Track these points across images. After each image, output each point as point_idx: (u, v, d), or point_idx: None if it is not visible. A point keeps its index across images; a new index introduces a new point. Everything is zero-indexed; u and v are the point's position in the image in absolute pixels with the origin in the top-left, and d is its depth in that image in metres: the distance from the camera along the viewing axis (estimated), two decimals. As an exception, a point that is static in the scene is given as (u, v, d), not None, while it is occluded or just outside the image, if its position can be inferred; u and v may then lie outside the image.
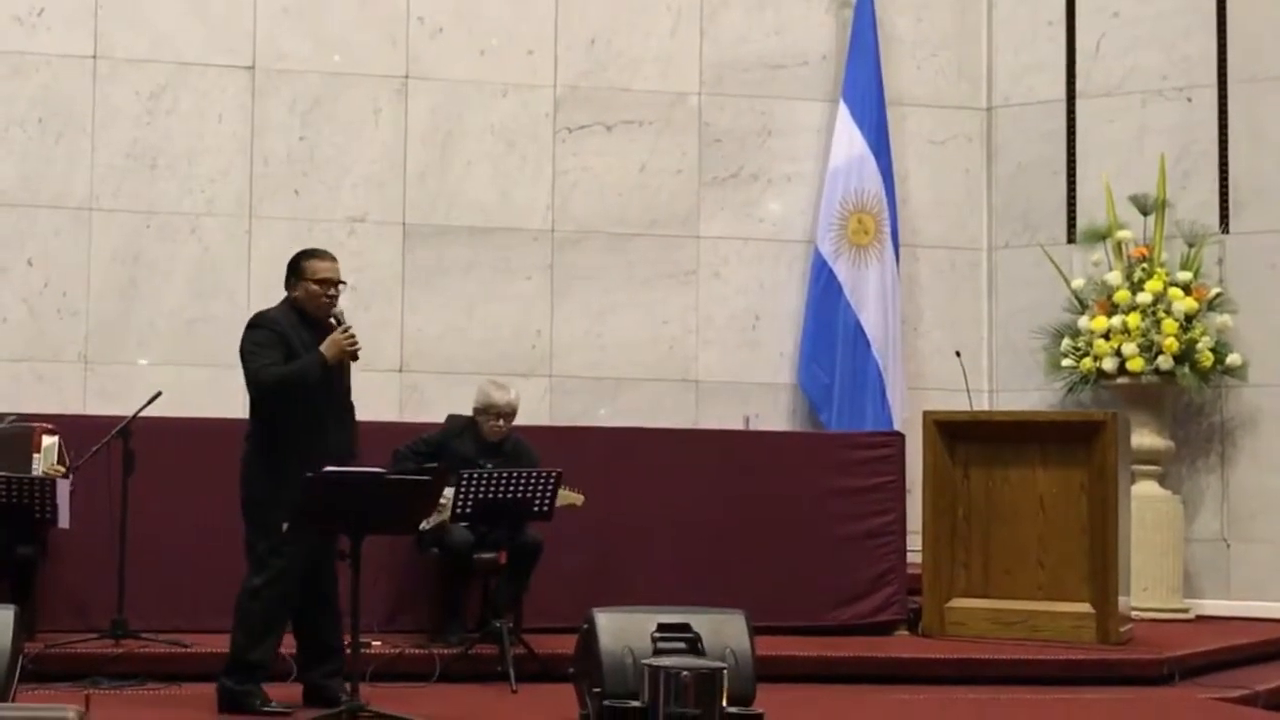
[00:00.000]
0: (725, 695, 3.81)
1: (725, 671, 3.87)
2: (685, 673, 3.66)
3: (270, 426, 6.50)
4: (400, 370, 9.93)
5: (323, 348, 6.39)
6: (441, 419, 8.27)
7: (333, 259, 6.64)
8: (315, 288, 6.52)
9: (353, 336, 6.42)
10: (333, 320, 6.47)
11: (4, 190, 9.59)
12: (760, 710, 3.92)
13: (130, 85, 9.79)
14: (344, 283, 6.66)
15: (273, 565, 6.46)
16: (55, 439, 7.67)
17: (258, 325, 6.55)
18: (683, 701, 3.47)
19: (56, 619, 7.69)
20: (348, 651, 6.45)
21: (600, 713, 5.60)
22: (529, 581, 7.80)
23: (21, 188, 9.62)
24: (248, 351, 6.49)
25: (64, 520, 7.42)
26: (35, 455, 7.61)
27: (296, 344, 6.44)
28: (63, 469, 7.59)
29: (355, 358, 6.48)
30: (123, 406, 8.04)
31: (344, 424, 6.57)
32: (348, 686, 6.39)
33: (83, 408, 9.15)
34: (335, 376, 6.49)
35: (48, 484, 7.37)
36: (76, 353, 9.61)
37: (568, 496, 7.82)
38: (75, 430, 7.81)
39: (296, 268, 6.61)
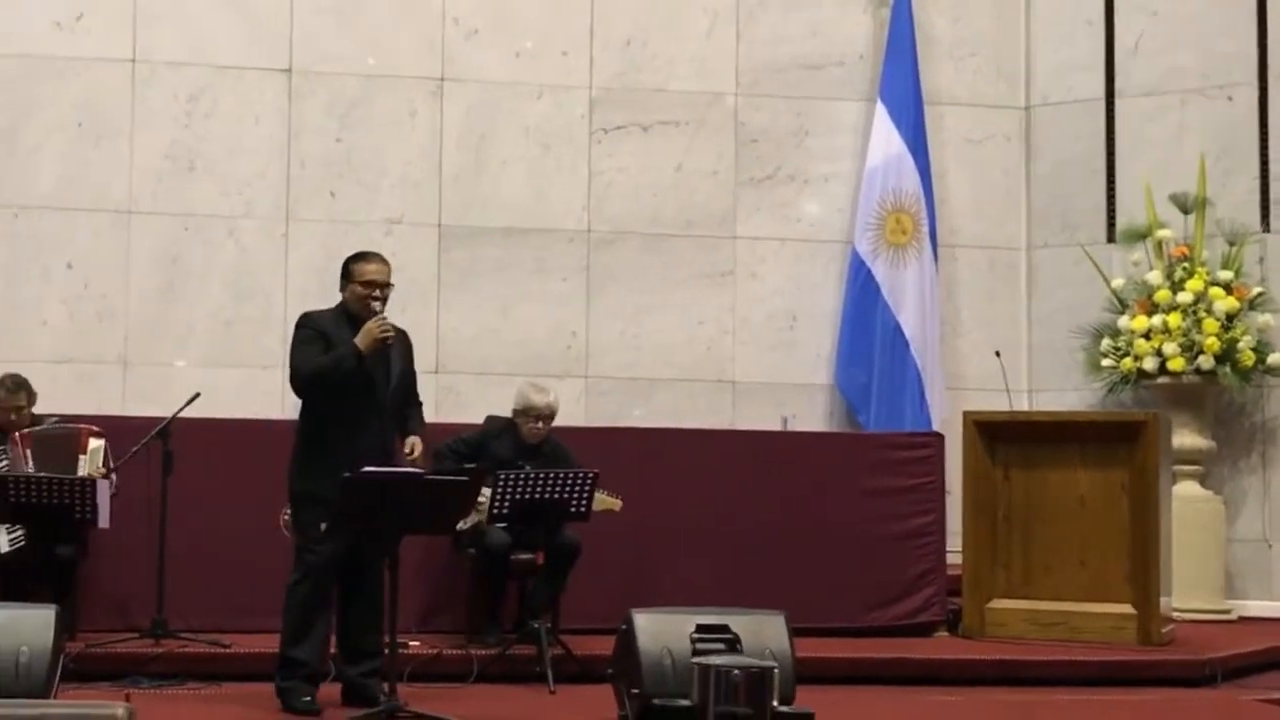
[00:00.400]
0: (780, 688, 3.79)
1: (776, 671, 3.85)
2: (736, 671, 3.63)
3: (310, 423, 6.58)
4: (436, 371, 9.93)
5: (356, 338, 6.43)
6: (477, 420, 8.27)
7: (381, 261, 6.68)
8: (360, 289, 6.59)
9: (385, 323, 6.45)
10: (376, 312, 6.50)
11: (44, 194, 9.63)
12: (810, 709, 3.89)
13: (169, 88, 9.82)
14: (391, 285, 6.68)
15: (306, 561, 6.52)
16: (102, 442, 7.71)
17: (300, 325, 6.67)
18: (733, 700, 3.43)
19: (97, 619, 7.72)
20: (386, 652, 6.45)
21: (644, 712, 5.57)
22: (566, 582, 7.78)
23: (61, 191, 9.65)
24: (291, 350, 6.63)
25: (104, 520, 7.45)
26: (81, 457, 7.65)
27: (337, 342, 6.49)
28: (104, 470, 7.63)
29: (386, 345, 6.49)
30: (161, 408, 8.06)
31: (383, 425, 6.58)
32: (385, 686, 6.40)
33: (122, 409, 9.17)
34: (375, 378, 6.52)
35: (88, 484, 7.40)
36: (116, 354, 9.64)
37: (606, 502, 7.81)
38: (114, 431, 7.85)
39: (346, 270, 6.69)
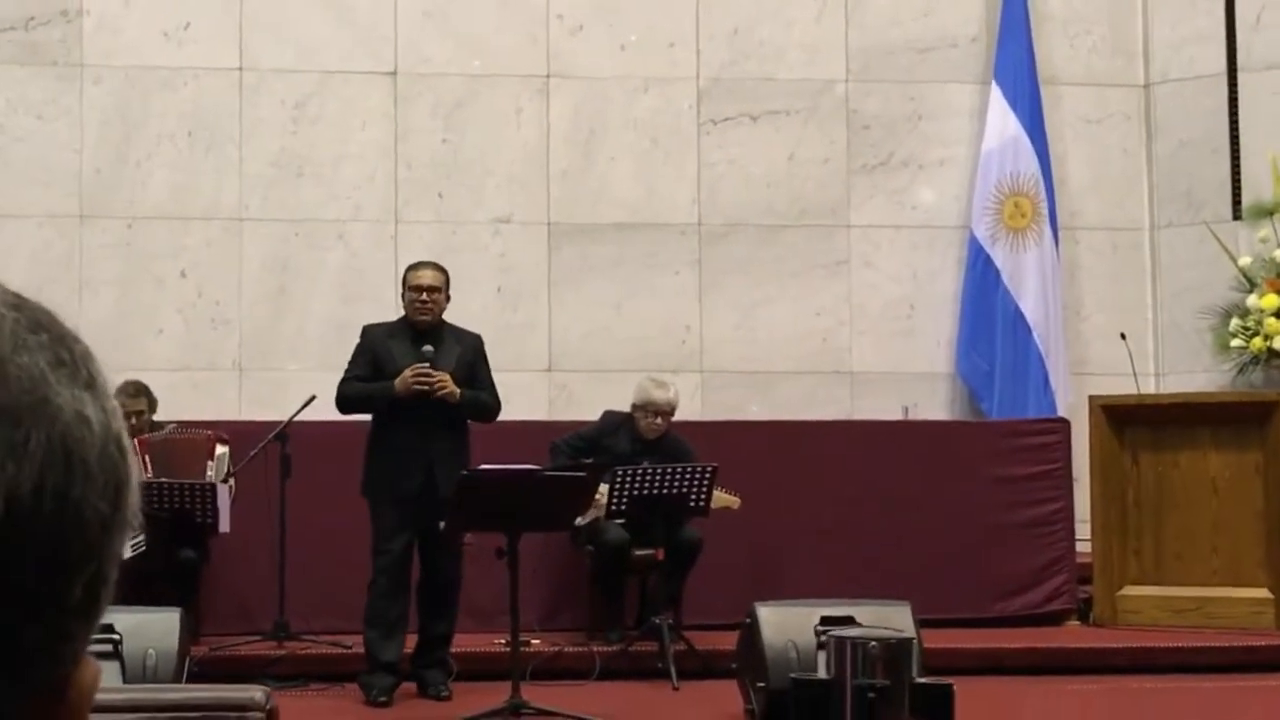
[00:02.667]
0: (916, 666, 3.67)
1: (914, 641, 3.73)
2: (873, 643, 3.51)
3: (373, 427, 6.91)
4: (549, 370, 9.87)
5: (396, 381, 6.71)
6: (591, 418, 8.20)
7: (431, 268, 7.05)
8: (409, 295, 6.98)
9: (420, 376, 6.66)
10: (424, 353, 6.74)
11: (157, 203, 9.69)
12: (950, 681, 3.76)
13: (275, 95, 9.84)
14: (439, 290, 6.93)
15: (377, 562, 6.81)
16: (227, 449, 7.77)
17: (361, 335, 7.11)
18: (870, 673, 3.32)
19: (220, 622, 7.75)
20: (509, 650, 6.42)
21: (773, 697, 5.47)
22: (687, 578, 7.69)
23: (173, 200, 9.71)
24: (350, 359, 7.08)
25: (225, 525, 7.49)
26: (209, 462, 7.70)
27: (384, 354, 6.84)
28: (224, 475, 7.67)
29: (412, 395, 6.69)
30: (277, 412, 8.08)
31: (437, 424, 6.74)
32: (448, 682, 6.60)
33: (238, 415, 9.20)
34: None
35: (208, 489, 7.45)
36: (230, 361, 9.68)
37: (724, 499, 7.71)
38: (232, 436, 7.91)
39: (403, 279, 7.14)
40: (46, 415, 0.77)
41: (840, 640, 3.50)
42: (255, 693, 1.55)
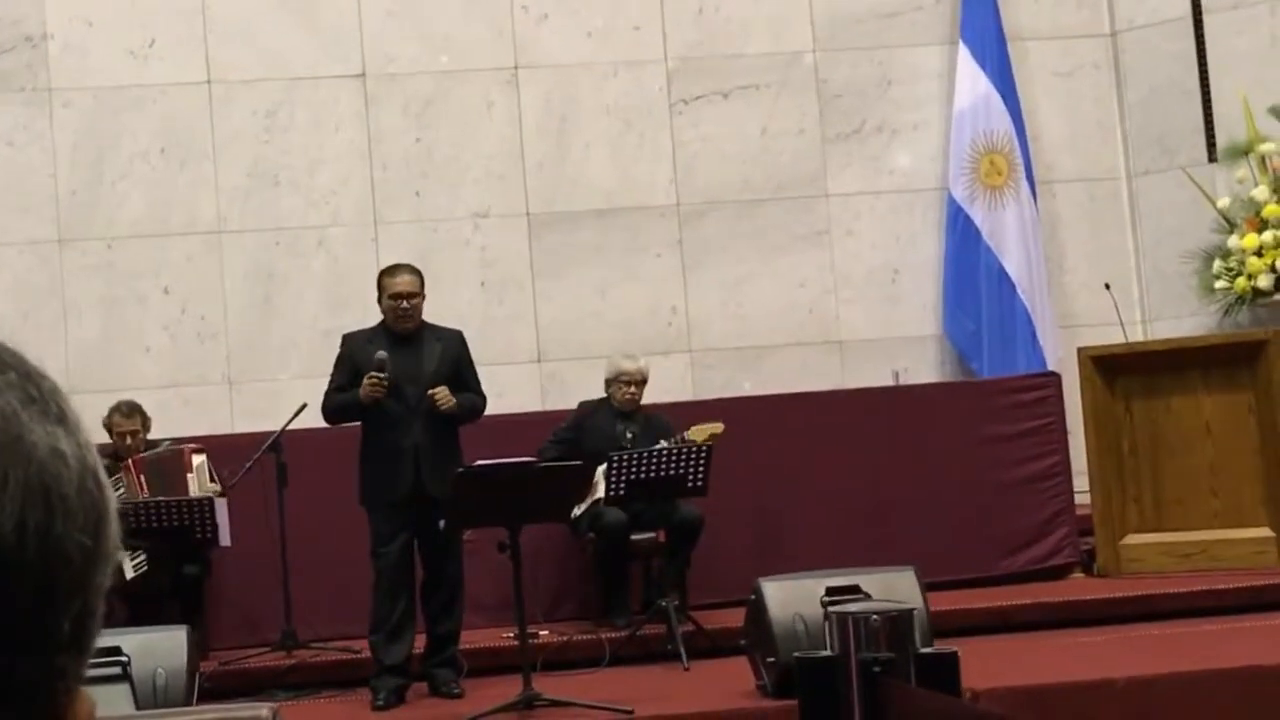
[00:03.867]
0: (918, 637, 3.68)
1: (915, 612, 3.74)
2: (875, 617, 3.52)
3: (362, 428, 6.93)
4: (538, 361, 9.88)
5: (360, 390, 6.79)
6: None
7: (408, 273, 7.02)
8: (390, 303, 6.96)
9: (375, 382, 6.71)
10: (377, 359, 6.78)
11: (135, 221, 9.67)
12: (954, 649, 3.77)
13: (246, 106, 9.82)
14: (420, 295, 6.96)
15: (375, 566, 6.82)
16: (203, 457, 7.75)
17: (340, 344, 7.13)
18: (874, 647, 3.33)
19: (227, 635, 7.76)
20: (519, 644, 6.44)
21: (783, 671, 5.48)
22: (690, 558, 7.70)
23: (151, 218, 9.69)
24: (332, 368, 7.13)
25: (225, 538, 7.49)
26: (189, 475, 7.68)
27: (363, 362, 6.83)
28: (217, 486, 7.66)
29: (376, 402, 6.78)
30: (270, 423, 8.07)
31: (418, 425, 6.78)
32: (459, 680, 6.61)
33: (231, 427, 9.20)
34: (402, 384, 6.79)
35: (206, 504, 7.44)
36: (220, 374, 9.67)
37: (706, 428, 7.60)
38: (227, 449, 7.89)
39: (378, 284, 7.09)
40: (21, 454, 0.77)
41: (842, 616, 3.51)
42: (262, 710, 1.56)
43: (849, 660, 3.38)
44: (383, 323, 7.02)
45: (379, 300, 7.04)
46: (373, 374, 6.74)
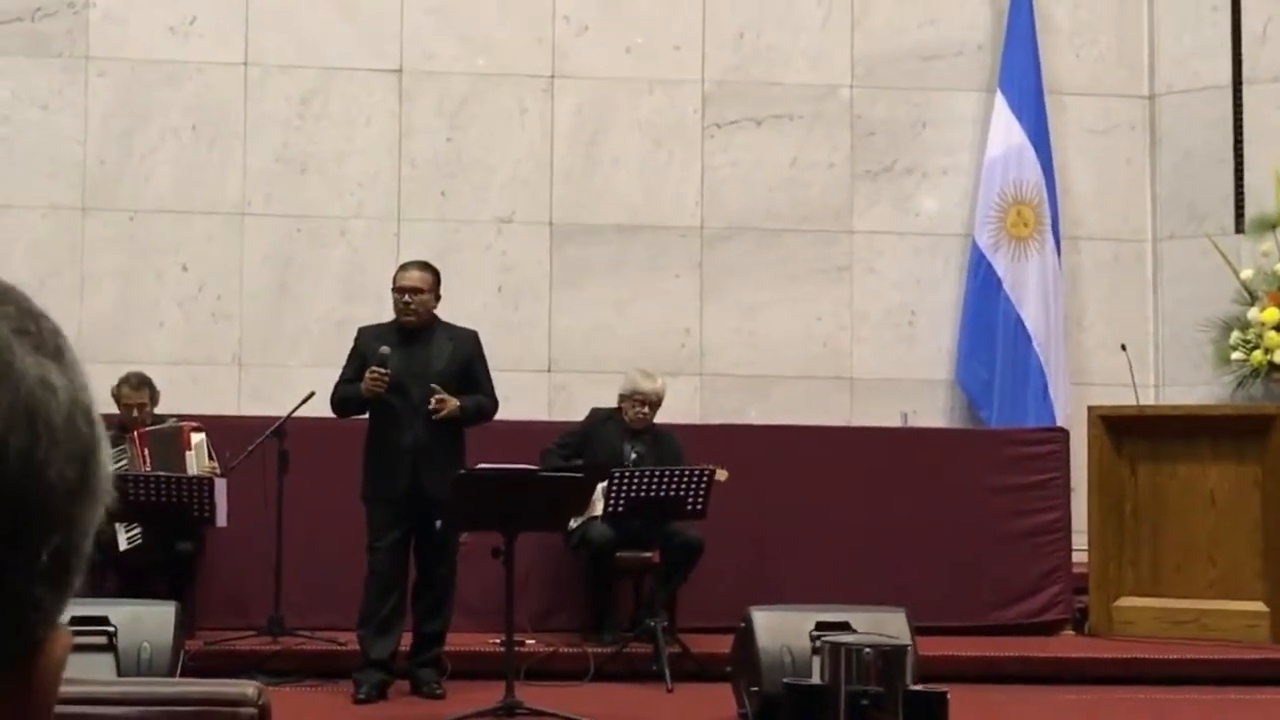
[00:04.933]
0: (909, 674, 3.66)
1: (909, 649, 3.72)
2: (868, 650, 3.50)
3: (367, 428, 6.96)
4: (549, 370, 9.87)
5: (361, 385, 6.82)
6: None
7: (417, 269, 7.06)
8: (395, 297, 7.02)
9: (375, 377, 6.74)
10: (379, 355, 6.82)
11: (159, 196, 9.69)
12: (945, 688, 3.75)
13: (280, 91, 9.84)
14: (422, 291, 6.96)
15: (368, 560, 6.85)
16: (202, 435, 7.75)
17: (355, 337, 7.15)
18: (864, 679, 3.31)
19: (215, 616, 7.75)
20: (503, 650, 6.43)
21: (766, 701, 5.46)
22: (687, 580, 7.68)
23: (176, 194, 9.70)
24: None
25: (222, 519, 7.50)
26: (188, 453, 7.68)
27: (370, 355, 6.87)
28: (214, 465, 7.66)
29: (374, 396, 6.80)
30: (277, 408, 8.07)
31: (421, 425, 6.78)
32: (441, 681, 6.60)
33: (237, 410, 9.21)
34: (406, 382, 6.80)
35: (206, 483, 7.44)
36: (231, 355, 9.67)
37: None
38: (231, 431, 7.89)
39: (393, 279, 7.11)
40: (9, 378, 0.77)
41: (835, 646, 3.49)
42: (248, 688, 1.55)
43: (838, 691, 3.36)
44: (395, 319, 7.06)
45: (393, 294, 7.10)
46: (374, 369, 6.76)
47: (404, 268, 7.12)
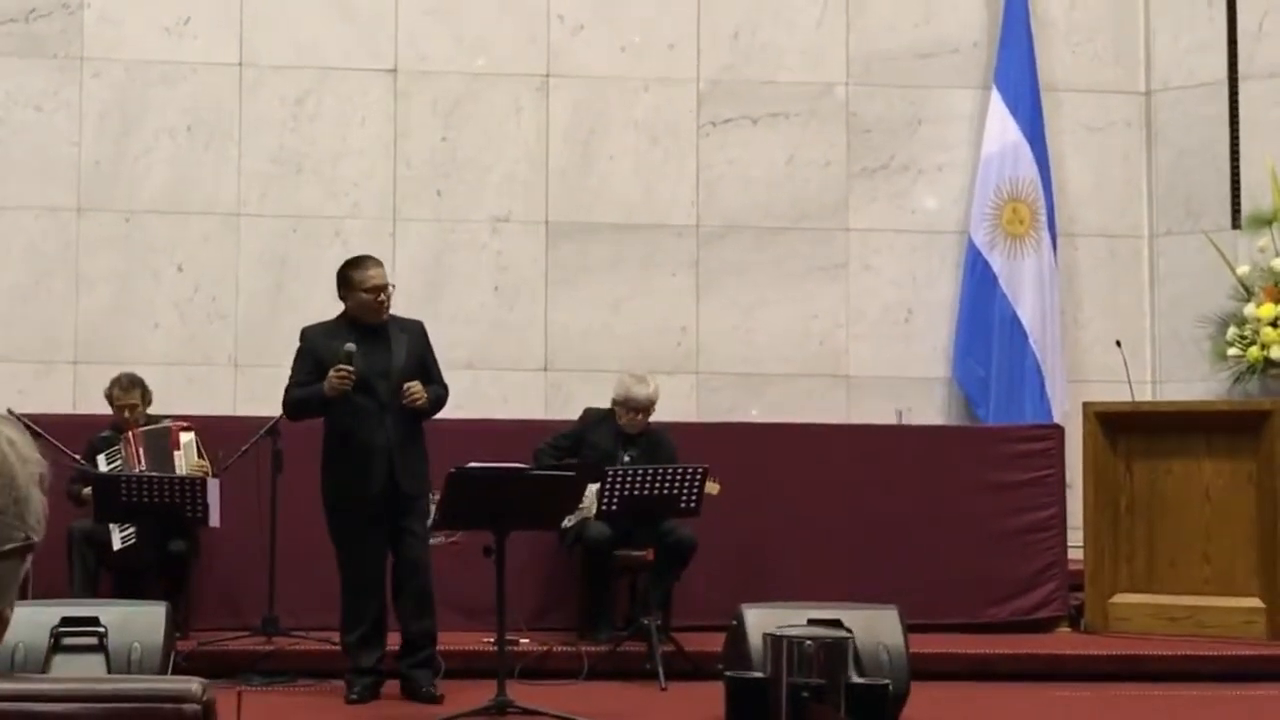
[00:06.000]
0: (852, 666, 3.64)
1: (851, 641, 3.71)
2: (809, 642, 3.50)
3: (327, 425, 6.77)
4: (545, 369, 9.87)
5: (324, 384, 6.60)
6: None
7: (378, 265, 6.83)
8: (366, 296, 6.73)
9: (343, 375, 6.55)
10: (345, 352, 6.60)
11: (154, 197, 9.69)
12: (886, 680, 3.74)
13: (275, 91, 9.84)
14: (393, 285, 6.83)
15: (345, 567, 6.74)
16: (192, 435, 7.75)
17: (300, 339, 6.90)
18: (806, 672, 3.30)
19: (209, 616, 7.76)
20: (496, 649, 6.41)
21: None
22: (680, 578, 7.68)
23: (171, 195, 9.71)
24: (292, 363, 6.90)
25: (214, 519, 7.49)
26: (176, 453, 7.69)
27: (328, 356, 6.64)
28: (205, 465, 7.66)
29: (339, 395, 6.60)
30: (272, 409, 8.02)
31: (389, 420, 6.65)
32: (436, 682, 6.54)
33: (232, 410, 9.20)
34: (371, 378, 6.63)
35: (198, 483, 7.44)
36: (226, 356, 9.68)
37: (706, 486, 7.64)
38: (226, 432, 7.90)
39: (346, 279, 6.84)
40: None
41: (777, 639, 3.48)
42: (192, 684, 1.54)
43: (780, 683, 3.35)
44: (344, 315, 6.82)
45: (346, 294, 6.80)
46: (340, 366, 6.56)
47: (364, 265, 6.81)
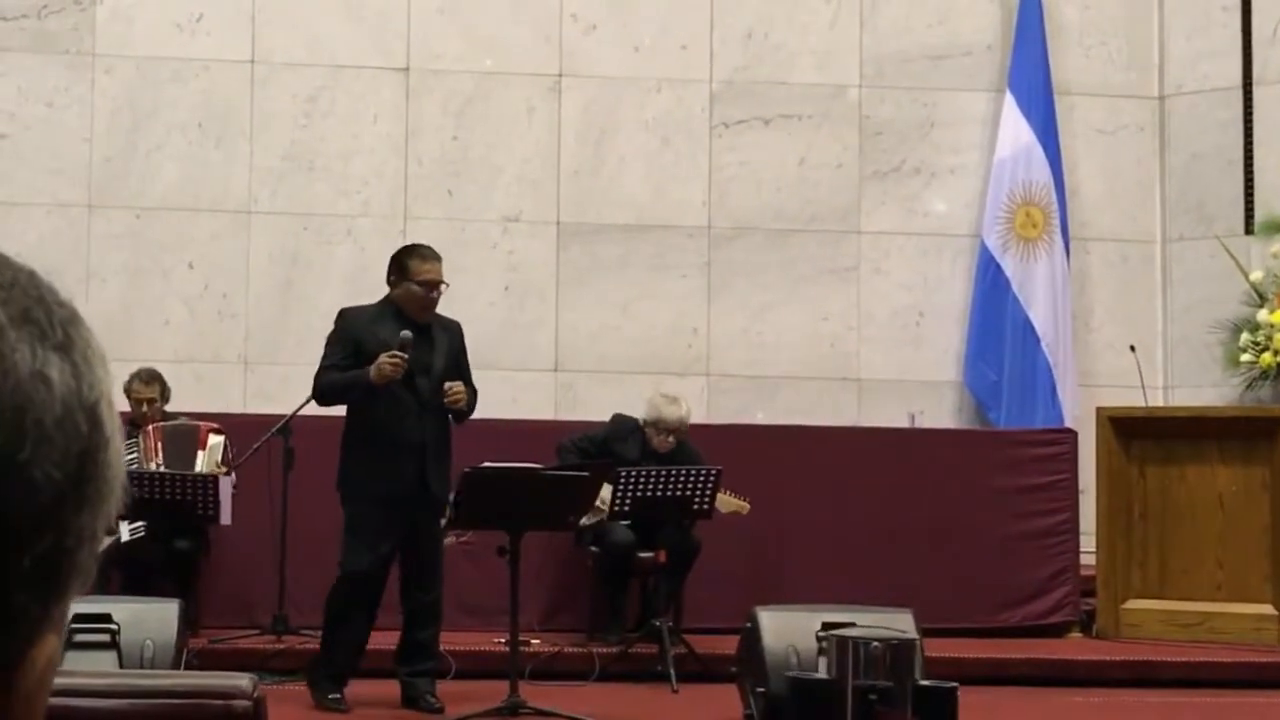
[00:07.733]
0: (919, 668, 3.61)
1: (918, 642, 3.68)
2: (876, 644, 3.46)
3: (354, 417, 6.47)
4: (555, 370, 9.84)
5: (371, 370, 6.24)
6: (596, 418, 8.16)
7: (437, 259, 6.49)
8: (417, 289, 6.39)
9: (397, 361, 6.22)
10: (402, 338, 6.27)
11: (165, 194, 9.67)
12: (955, 683, 3.71)
13: (287, 89, 9.82)
14: (446, 284, 6.53)
15: (352, 566, 6.43)
16: (222, 439, 7.73)
17: (337, 320, 6.58)
18: (872, 674, 3.26)
19: (219, 615, 7.74)
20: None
21: (772, 701, 5.42)
22: (685, 580, 7.66)
23: (182, 192, 9.69)
24: (325, 345, 6.57)
25: (226, 517, 7.47)
26: (200, 452, 7.67)
27: (371, 342, 6.32)
28: (225, 468, 7.64)
29: (386, 382, 6.25)
30: (282, 406, 8.04)
31: (427, 418, 6.39)
32: (437, 690, 6.39)
33: (243, 408, 9.18)
34: (415, 373, 6.32)
35: (210, 481, 7.42)
36: (236, 354, 9.65)
37: (733, 504, 7.66)
38: (236, 429, 7.89)
39: (401, 265, 6.47)
40: None
41: (842, 640, 3.45)
42: (242, 680, 1.52)
43: (845, 686, 3.32)
44: (387, 301, 6.50)
45: (398, 280, 6.46)
46: (395, 353, 6.20)
47: (424, 256, 6.45)
